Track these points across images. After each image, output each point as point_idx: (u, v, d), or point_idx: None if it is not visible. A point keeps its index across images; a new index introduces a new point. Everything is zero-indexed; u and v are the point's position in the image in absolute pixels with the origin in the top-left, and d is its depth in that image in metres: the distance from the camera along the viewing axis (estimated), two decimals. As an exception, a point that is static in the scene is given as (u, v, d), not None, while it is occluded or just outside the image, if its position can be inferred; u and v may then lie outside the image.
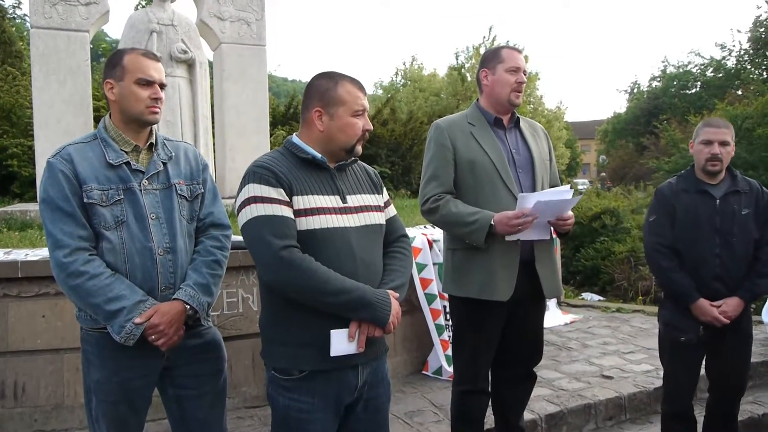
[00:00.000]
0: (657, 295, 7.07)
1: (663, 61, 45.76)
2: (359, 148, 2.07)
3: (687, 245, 2.90)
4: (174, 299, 2.04)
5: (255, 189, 1.92)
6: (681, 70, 37.75)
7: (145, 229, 2.04)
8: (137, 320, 1.94)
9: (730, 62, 32.68)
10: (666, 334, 3.03)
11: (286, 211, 1.90)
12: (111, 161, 2.04)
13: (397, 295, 2.01)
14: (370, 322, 1.92)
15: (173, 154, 2.19)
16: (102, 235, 2.00)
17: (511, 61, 2.75)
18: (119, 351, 2.00)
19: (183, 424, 2.19)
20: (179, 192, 2.14)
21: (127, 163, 2.07)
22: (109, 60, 2.15)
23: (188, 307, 2.04)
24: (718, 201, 2.90)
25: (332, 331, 1.89)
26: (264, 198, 1.90)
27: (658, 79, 39.79)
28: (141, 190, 2.06)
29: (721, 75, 33.46)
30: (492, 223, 2.56)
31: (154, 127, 2.19)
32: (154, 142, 2.16)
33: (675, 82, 37.80)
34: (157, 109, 2.10)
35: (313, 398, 1.95)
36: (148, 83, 2.08)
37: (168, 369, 2.13)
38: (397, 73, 33.32)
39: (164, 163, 2.15)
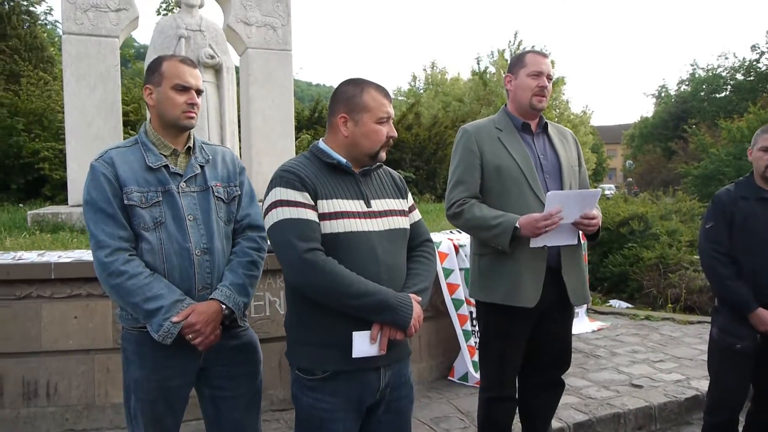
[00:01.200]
0: (687, 303, 6.94)
1: (692, 65, 45.24)
2: (383, 155, 2.09)
3: (745, 253, 2.84)
4: (210, 299, 2.08)
5: (281, 193, 1.96)
6: (711, 74, 37.10)
7: (183, 230, 2.09)
8: (175, 319, 1.98)
9: (763, 64, 32.02)
10: (719, 341, 2.95)
11: (311, 215, 1.94)
12: (150, 164, 2.10)
13: (420, 299, 2.02)
14: (392, 325, 1.94)
15: (211, 157, 2.24)
16: (141, 236, 2.06)
17: (532, 66, 2.74)
18: (158, 350, 2.04)
19: (218, 425, 2.23)
20: (216, 194, 2.19)
21: (166, 167, 2.12)
22: (149, 66, 2.21)
23: (224, 306, 2.07)
24: None
25: (354, 333, 1.92)
26: (290, 202, 1.94)
27: (687, 82, 39.22)
28: (179, 192, 2.11)
29: (752, 78, 32.80)
30: (517, 225, 2.54)
31: (192, 131, 2.24)
32: (192, 146, 2.21)
33: (704, 86, 37.20)
34: (193, 114, 2.15)
35: (335, 398, 1.97)
36: (184, 89, 2.13)
37: (204, 370, 2.16)
38: (415, 79, 33.32)
39: (202, 166, 2.20)
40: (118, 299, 2.04)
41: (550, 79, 2.78)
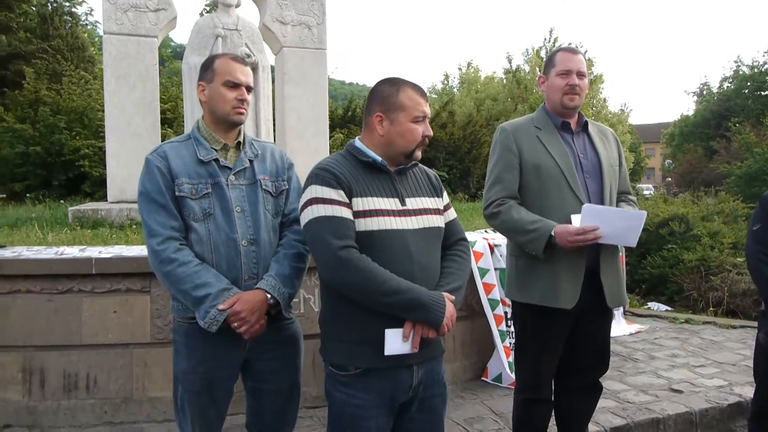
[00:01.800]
0: (729, 306, 6.73)
1: (736, 61, 43.86)
2: (419, 153, 2.10)
3: None
4: (256, 288, 2.12)
5: (316, 190, 1.97)
6: (756, 71, 35.99)
7: (231, 221, 2.15)
8: (221, 307, 2.03)
9: (810, 61, 30.95)
10: (767, 346, 2.86)
11: (346, 212, 1.95)
12: (201, 158, 2.17)
13: (453, 297, 2.01)
14: (424, 322, 1.93)
15: (260, 152, 2.30)
16: (191, 226, 2.13)
17: (561, 65, 2.70)
18: (205, 341, 2.11)
19: (258, 416, 2.30)
20: (264, 187, 2.24)
21: (216, 160, 2.19)
22: (203, 64, 2.28)
23: (269, 296, 2.11)
24: None
25: (387, 330, 1.93)
26: (324, 199, 1.95)
27: (730, 79, 38.13)
28: (228, 185, 2.18)
29: (799, 75, 31.73)
30: (552, 234, 2.50)
31: (243, 127, 2.30)
32: (242, 141, 2.27)
33: (749, 83, 36.09)
34: (243, 110, 2.22)
35: (368, 394, 1.98)
36: (235, 85, 2.19)
37: (247, 362, 2.22)
38: (447, 78, 33.16)
39: (251, 161, 2.26)
40: (169, 286, 2.11)
41: (583, 76, 2.71)
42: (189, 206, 2.12)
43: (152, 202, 2.10)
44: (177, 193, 2.11)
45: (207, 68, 2.23)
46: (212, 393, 2.18)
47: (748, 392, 3.16)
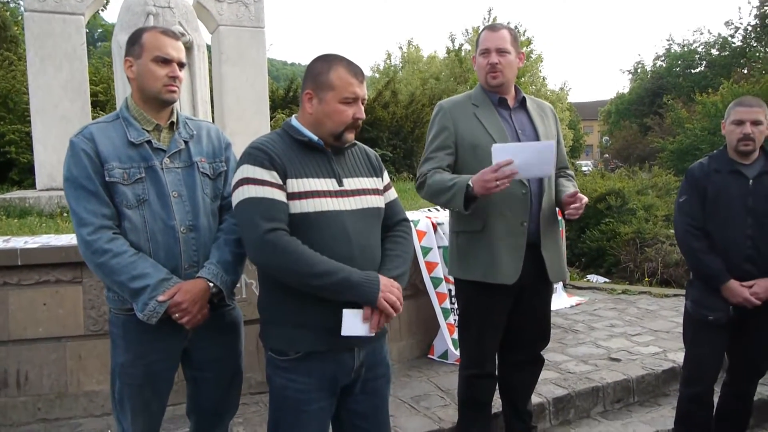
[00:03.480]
0: (663, 276, 7.03)
1: (668, 40, 45.48)
2: (349, 136, 2.02)
3: (718, 226, 2.85)
4: (197, 277, 2.04)
5: (248, 170, 1.92)
6: (686, 49, 37.41)
7: (167, 207, 2.04)
8: (160, 298, 1.94)
9: (737, 40, 32.36)
10: (693, 313, 2.97)
11: (277, 194, 1.90)
12: (132, 140, 2.04)
13: (400, 286, 1.98)
14: (360, 302, 1.89)
15: (195, 132, 2.18)
16: (124, 214, 2.01)
17: (481, 44, 2.72)
18: (143, 333, 2.02)
19: (199, 402, 2.23)
20: (201, 170, 2.14)
21: (149, 142, 2.06)
22: (129, 38, 2.13)
23: (212, 285, 2.03)
24: (751, 181, 2.83)
25: (345, 311, 1.89)
26: (256, 180, 1.90)
27: (663, 58, 39.49)
28: (162, 169, 2.06)
29: (726, 53, 33.16)
30: (470, 183, 2.46)
31: (176, 106, 2.17)
32: (175, 121, 2.15)
33: (680, 62, 37.51)
34: (175, 88, 2.09)
35: (309, 378, 1.96)
36: (165, 61, 2.06)
37: (187, 350, 2.14)
38: (388, 57, 33.06)
39: (186, 142, 2.14)
40: (104, 278, 2.00)
41: (505, 53, 2.67)
42: (121, 192, 1.99)
43: (80, 188, 1.97)
44: (107, 179, 1.98)
45: (134, 42, 2.08)
46: (153, 386, 2.10)
47: (681, 358, 3.30)
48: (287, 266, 1.85)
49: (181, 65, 2.11)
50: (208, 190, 2.15)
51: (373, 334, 1.92)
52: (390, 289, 1.92)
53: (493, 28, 2.75)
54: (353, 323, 1.89)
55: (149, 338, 2.03)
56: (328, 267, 1.86)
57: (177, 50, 2.09)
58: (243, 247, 2.16)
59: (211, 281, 2.03)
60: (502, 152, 2.40)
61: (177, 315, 1.97)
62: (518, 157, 2.38)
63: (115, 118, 2.09)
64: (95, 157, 1.98)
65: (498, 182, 2.38)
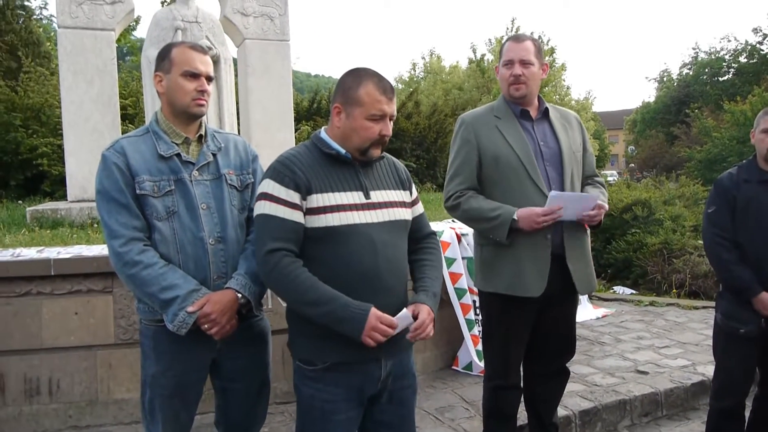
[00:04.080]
0: (691, 288, 6.90)
1: (694, 48, 45.03)
2: (374, 152, 2.03)
3: (748, 237, 2.80)
4: (226, 288, 2.07)
5: (269, 186, 1.96)
6: (713, 57, 36.88)
7: (197, 219, 2.08)
8: (190, 309, 1.97)
9: (766, 47, 31.81)
10: (723, 326, 2.92)
11: (289, 214, 1.92)
12: (162, 153, 2.08)
13: (432, 314, 2.00)
14: (346, 335, 1.88)
15: (223, 145, 2.22)
16: (154, 226, 2.05)
17: (505, 55, 2.72)
18: (174, 344, 2.05)
19: (227, 413, 2.26)
20: (229, 182, 2.18)
21: (178, 155, 2.11)
22: (159, 53, 2.18)
23: (240, 295, 2.06)
24: None
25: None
26: (272, 197, 1.94)
27: (689, 66, 39.02)
28: (191, 181, 2.10)
29: (755, 60, 32.60)
30: (515, 218, 2.52)
31: (204, 119, 2.21)
32: (204, 134, 2.19)
33: (707, 69, 36.98)
34: (203, 102, 2.13)
35: (336, 388, 1.98)
36: (194, 76, 2.10)
37: (216, 361, 2.17)
38: (414, 67, 33.17)
39: (214, 154, 2.18)
40: (135, 289, 2.04)
41: (529, 64, 2.67)
42: (151, 205, 2.04)
43: (112, 201, 2.01)
44: (138, 191, 2.02)
45: (164, 58, 2.13)
46: (183, 396, 2.13)
47: (711, 371, 3.24)
48: (282, 289, 1.92)
49: (209, 79, 2.15)
50: (236, 202, 2.18)
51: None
52: (375, 326, 1.87)
53: (517, 38, 2.75)
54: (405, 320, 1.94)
55: (180, 349, 2.06)
56: (319, 297, 1.87)
57: (205, 65, 2.13)
58: None
59: (239, 292, 2.06)
60: (557, 199, 2.52)
61: (206, 326, 1.99)
62: (568, 204, 2.53)
63: (145, 132, 2.14)
64: (126, 170, 2.03)
65: (546, 222, 2.50)
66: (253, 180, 2.25)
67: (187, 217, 2.07)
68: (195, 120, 2.17)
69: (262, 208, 1.95)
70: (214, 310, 1.99)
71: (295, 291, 1.88)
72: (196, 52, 2.12)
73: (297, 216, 1.93)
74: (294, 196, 1.93)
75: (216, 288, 2.07)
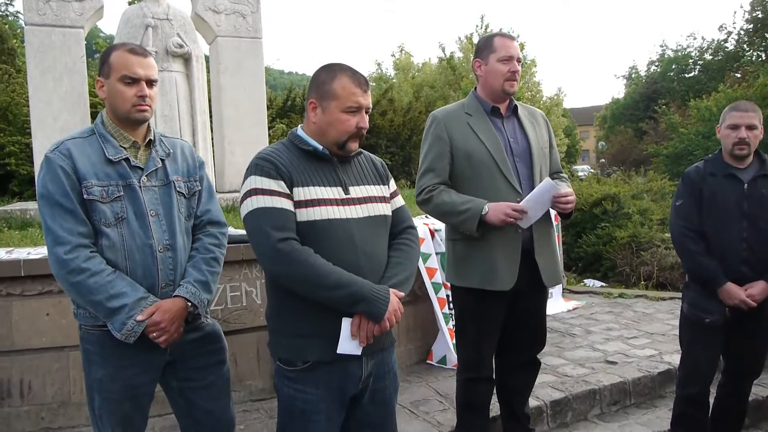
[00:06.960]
0: (659, 280, 7.08)
1: (661, 45, 45.78)
2: (352, 146, 2.04)
3: (714, 229, 2.89)
4: (175, 296, 2.04)
5: (256, 181, 1.94)
6: (680, 54, 37.61)
7: (146, 226, 2.03)
8: (139, 317, 1.94)
9: (730, 44, 32.53)
10: (689, 316, 3.01)
11: (286, 204, 1.92)
12: (110, 157, 2.02)
13: (402, 294, 2.00)
14: (367, 316, 1.91)
15: (171, 151, 2.18)
16: (102, 232, 1.99)
17: (503, 51, 2.73)
18: (121, 349, 1.99)
19: (190, 416, 2.21)
20: (178, 189, 2.14)
21: (126, 160, 2.05)
22: (100, 57, 2.13)
23: (189, 304, 2.04)
24: (746, 185, 2.88)
25: (342, 328, 1.91)
26: (264, 190, 1.92)
27: (657, 63, 39.70)
28: (141, 187, 2.05)
29: (720, 57, 33.33)
30: (484, 212, 2.57)
31: (151, 123, 2.16)
32: (153, 138, 2.14)
33: (674, 66, 37.70)
34: (145, 107, 2.05)
35: (317, 388, 1.97)
36: (133, 81, 2.03)
37: (171, 363, 2.13)
38: (379, 65, 33.21)
39: (162, 160, 2.13)
40: (78, 297, 1.97)
41: (519, 62, 2.78)
42: (99, 210, 1.97)
43: (56, 205, 1.93)
44: (85, 196, 1.95)
45: (104, 62, 2.05)
46: (135, 399, 2.08)
47: (677, 360, 3.34)
48: (300, 276, 1.87)
49: (150, 83, 2.07)
50: (183, 209, 2.15)
51: (363, 345, 1.94)
52: (395, 308, 1.95)
53: (509, 36, 2.83)
54: (346, 341, 1.92)
55: (127, 353, 2.01)
56: (340, 279, 1.88)
57: (145, 68, 2.05)
58: (218, 266, 2.18)
59: (189, 300, 2.03)
60: (532, 203, 2.61)
61: (155, 334, 1.96)
62: (537, 204, 2.61)
63: (90, 134, 2.06)
64: (73, 173, 1.95)
65: (513, 219, 2.57)
66: (200, 187, 2.22)
67: (136, 224, 2.02)
68: (140, 125, 2.11)
69: (255, 203, 1.92)
70: (164, 319, 1.96)
71: (315, 275, 1.86)
72: (136, 56, 2.05)
73: (291, 206, 1.93)
74: (284, 187, 1.93)
75: (164, 296, 2.04)
